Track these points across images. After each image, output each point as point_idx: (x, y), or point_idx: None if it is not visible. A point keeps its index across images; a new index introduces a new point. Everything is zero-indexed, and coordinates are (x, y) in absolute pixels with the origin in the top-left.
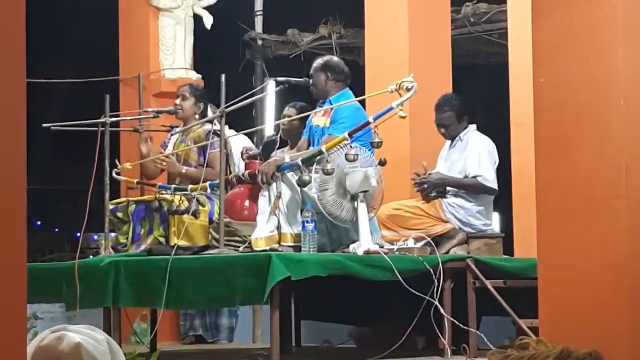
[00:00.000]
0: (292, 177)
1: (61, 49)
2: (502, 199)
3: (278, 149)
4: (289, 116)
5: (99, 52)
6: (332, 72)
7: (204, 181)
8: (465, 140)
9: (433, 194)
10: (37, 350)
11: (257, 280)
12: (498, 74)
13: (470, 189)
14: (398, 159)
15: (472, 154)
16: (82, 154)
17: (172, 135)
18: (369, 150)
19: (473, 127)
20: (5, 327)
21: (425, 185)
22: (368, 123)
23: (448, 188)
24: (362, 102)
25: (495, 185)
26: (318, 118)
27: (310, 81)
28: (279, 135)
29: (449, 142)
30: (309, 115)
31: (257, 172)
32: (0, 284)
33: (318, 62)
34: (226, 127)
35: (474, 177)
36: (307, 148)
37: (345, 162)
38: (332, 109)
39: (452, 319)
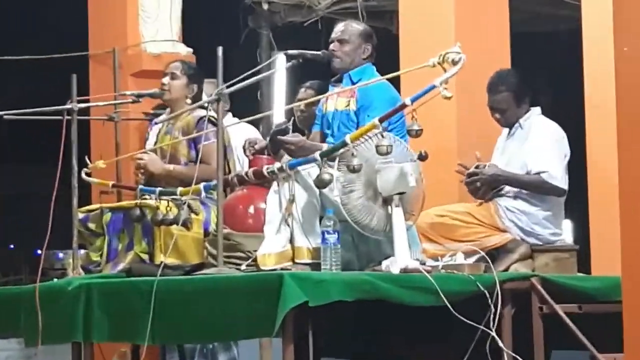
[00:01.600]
0: (308, 176)
1: (17, 20)
2: (576, 202)
3: None
4: (307, 99)
5: (63, 22)
6: (372, 45)
7: (198, 182)
8: (527, 127)
9: (489, 195)
10: None
11: (265, 307)
12: (568, 44)
13: (532, 188)
14: (442, 151)
15: (535, 145)
16: (43, 150)
17: (154, 125)
18: (405, 140)
19: (536, 110)
20: None
21: (479, 184)
22: (404, 106)
23: (507, 188)
24: (396, 80)
25: (564, 185)
26: (337, 101)
27: (336, 47)
28: (291, 123)
29: (506, 130)
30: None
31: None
32: None
33: (355, 25)
34: (229, 114)
35: (537, 173)
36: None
37: (375, 156)
38: (353, 89)
39: (513, 354)
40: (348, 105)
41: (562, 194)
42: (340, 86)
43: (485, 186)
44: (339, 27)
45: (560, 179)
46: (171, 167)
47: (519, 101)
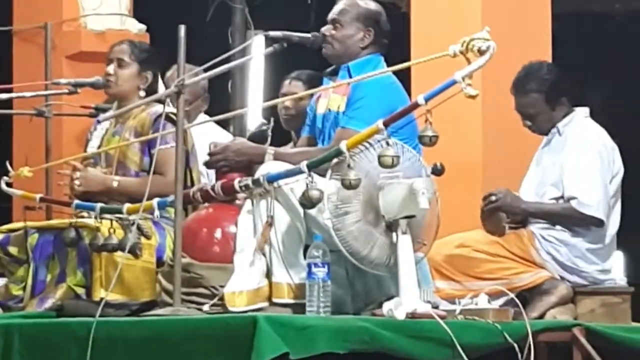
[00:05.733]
0: (291, 192)
1: None
2: (629, 230)
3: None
4: (293, 94)
5: None
6: (377, 27)
7: (151, 197)
8: (566, 134)
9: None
10: None
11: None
12: (626, 29)
13: (563, 220)
14: (463, 164)
15: (570, 161)
16: None
17: (99, 123)
18: (417, 150)
19: (582, 112)
20: None
21: (497, 203)
22: (416, 106)
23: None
24: (405, 73)
25: (600, 213)
26: (330, 99)
27: (328, 30)
28: (271, 125)
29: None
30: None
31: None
32: None
33: (356, 4)
34: (201, 114)
35: (568, 199)
36: None
37: (378, 168)
38: (348, 84)
39: None
40: (339, 106)
41: (597, 225)
42: (336, 80)
43: (513, 214)
44: (337, 5)
45: (595, 206)
46: (115, 181)
47: (553, 103)
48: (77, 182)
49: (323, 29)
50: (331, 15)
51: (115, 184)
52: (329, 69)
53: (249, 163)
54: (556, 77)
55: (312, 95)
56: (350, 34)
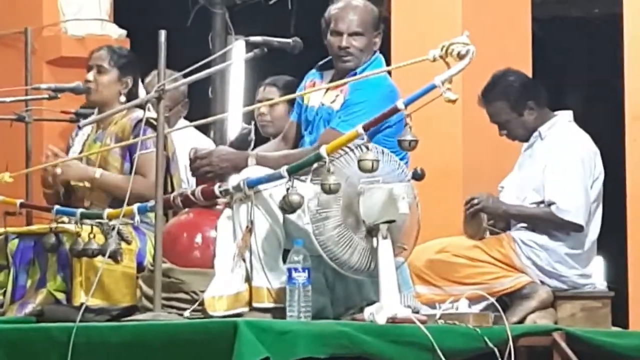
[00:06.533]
0: (270, 197)
1: None
2: (610, 235)
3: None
4: (269, 100)
5: None
6: (381, 28)
7: (132, 197)
8: (548, 138)
9: (484, 232)
10: None
11: None
12: (605, 34)
13: (543, 224)
14: (443, 169)
15: (551, 166)
16: None
17: (80, 129)
18: (398, 155)
19: (566, 116)
20: None
21: (479, 206)
22: (396, 110)
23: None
24: None
25: (579, 219)
26: (325, 94)
27: (349, 42)
28: (252, 128)
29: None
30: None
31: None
32: None
33: (365, 9)
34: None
35: (549, 204)
36: (297, 139)
37: (358, 173)
38: (347, 82)
39: None
40: (334, 101)
41: (577, 231)
42: (328, 74)
43: (495, 215)
44: (346, 15)
45: (574, 212)
46: (97, 172)
47: (519, 109)
48: (58, 170)
49: (341, 43)
50: (347, 27)
51: (97, 174)
52: (322, 62)
53: (232, 169)
54: (520, 82)
55: (289, 100)
56: (370, 41)
